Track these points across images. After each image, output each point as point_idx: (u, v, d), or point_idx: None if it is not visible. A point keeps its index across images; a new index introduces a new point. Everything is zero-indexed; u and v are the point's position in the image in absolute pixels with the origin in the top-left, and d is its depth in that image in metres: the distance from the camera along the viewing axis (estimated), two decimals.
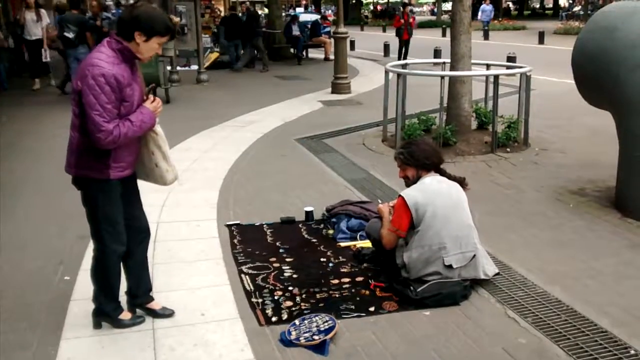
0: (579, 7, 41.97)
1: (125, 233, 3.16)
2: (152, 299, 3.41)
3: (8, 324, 3.34)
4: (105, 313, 3.24)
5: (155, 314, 3.37)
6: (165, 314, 3.38)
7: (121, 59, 2.87)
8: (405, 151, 3.81)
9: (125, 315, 3.29)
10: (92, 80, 2.76)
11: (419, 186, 3.69)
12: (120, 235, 3.12)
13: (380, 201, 4.89)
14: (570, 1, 50.46)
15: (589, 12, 32.68)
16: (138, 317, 3.32)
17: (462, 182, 3.82)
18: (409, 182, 3.81)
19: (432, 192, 3.63)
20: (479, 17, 26.83)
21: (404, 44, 18.27)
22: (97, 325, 3.26)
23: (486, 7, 26.92)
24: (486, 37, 25.93)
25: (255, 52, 17.03)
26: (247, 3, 22.28)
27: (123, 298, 3.36)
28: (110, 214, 3.05)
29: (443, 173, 3.81)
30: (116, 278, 3.23)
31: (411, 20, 18.73)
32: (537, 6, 64.14)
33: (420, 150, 3.75)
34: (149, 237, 3.39)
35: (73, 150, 2.98)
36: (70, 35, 10.41)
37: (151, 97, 3.05)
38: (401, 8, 19.90)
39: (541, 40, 23.20)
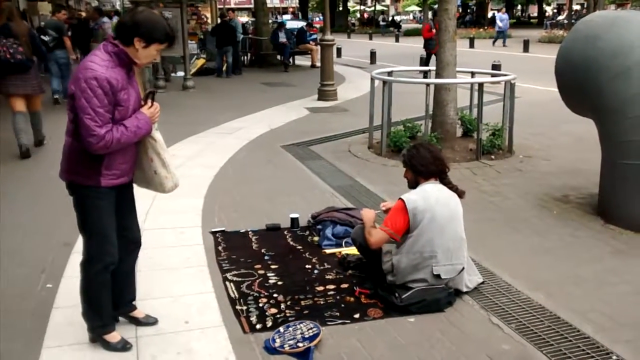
0: (563, 16, 42.46)
1: (120, 242, 3.06)
2: (135, 308, 3.35)
3: None
4: (91, 329, 3.12)
5: (138, 322, 3.32)
6: (149, 322, 3.32)
7: (117, 63, 2.82)
8: (407, 153, 3.81)
9: (114, 337, 3.11)
10: (84, 83, 2.70)
11: (420, 192, 3.67)
12: (109, 246, 2.99)
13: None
14: (555, 10, 51.03)
15: (573, 21, 33.12)
16: (127, 344, 3.11)
17: (461, 194, 3.80)
18: (409, 184, 3.81)
19: (432, 199, 3.61)
20: (498, 27, 26.33)
21: (430, 58, 14.76)
22: (91, 339, 3.15)
23: (503, 16, 26.29)
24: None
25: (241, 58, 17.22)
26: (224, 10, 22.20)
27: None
28: (99, 223, 2.95)
29: (446, 182, 3.78)
30: (103, 294, 3.06)
31: None
32: (522, 15, 64.74)
33: (420, 156, 3.71)
34: (139, 248, 3.31)
35: (65, 155, 2.92)
36: (47, 38, 10.61)
37: (149, 102, 2.98)
38: (431, 16, 16.76)
39: (526, 49, 23.44)
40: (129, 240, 3.18)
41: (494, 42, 27.41)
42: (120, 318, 3.32)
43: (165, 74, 14.70)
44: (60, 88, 10.99)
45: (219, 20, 18.60)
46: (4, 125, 7.72)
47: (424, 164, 3.70)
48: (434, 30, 14.12)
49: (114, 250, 3.01)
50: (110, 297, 3.11)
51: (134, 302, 3.36)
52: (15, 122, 7.10)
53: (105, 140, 2.74)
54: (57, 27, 11.06)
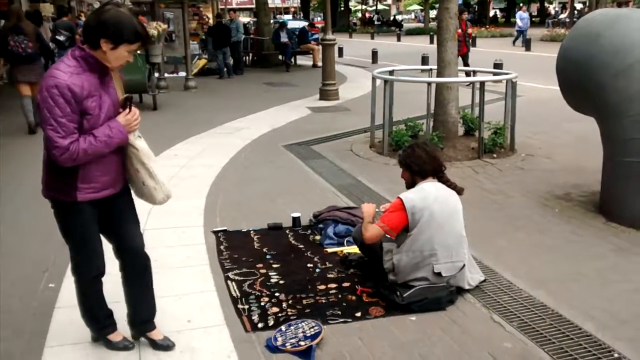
0: (566, 14, 42.37)
1: (120, 255, 2.98)
2: (151, 328, 3.13)
3: None
4: (92, 331, 3.13)
5: (155, 344, 3.11)
6: (165, 344, 3.10)
7: (85, 68, 2.61)
8: (402, 153, 3.82)
9: (115, 337, 3.10)
10: (45, 92, 2.52)
11: (419, 191, 3.67)
12: (94, 259, 2.90)
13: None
14: (557, 9, 50.98)
15: (575, 19, 32.99)
16: (129, 344, 3.10)
17: (460, 191, 3.81)
18: (407, 185, 3.82)
19: (430, 198, 3.61)
20: (517, 26, 25.34)
21: (463, 61, 13.50)
22: (94, 339, 3.17)
23: (523, 15, 25.28)
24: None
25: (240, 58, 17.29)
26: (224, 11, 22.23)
27: (117, 317, 3.17)
28: (81, 238, 2.84)
29: (444, 180, 3.79)
30: (94, 301, 3.02)
31: (470, 30, 14.50)
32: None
33: (414, 156, 3.72)
34: (149, 262, 3.07)
35: (44, 170, 2.76)
36: (62, 38, 11.76)
37: (127, 109, 2.76)
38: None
39: (528, 47, 23.40)
40: (130, 251, 2.99)
41: (514, 42, 26.15)
42: (125, 311, 3.30)
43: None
44: None
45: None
46: (16, 110, 9.10)
47: (419, 164, 3.71)
48: (459, 30, 13.36)
49: (99, 262, 2.93)
50: (103, 302, 3.06)
51: (150, 322, 3.14)
52: (24, 105, 8.60)
53: (70, 152, 2.55)
54: (68, 27, 12.17)
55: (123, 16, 2.62)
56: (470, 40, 14.37)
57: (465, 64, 13.69)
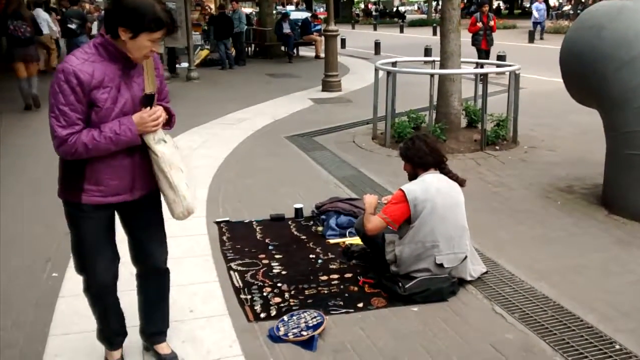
0: (569, 6, 42.16)
1: (137, 266, 2.81)
2: (159, 341, 2.96)
3: None
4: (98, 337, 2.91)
5: (159, 357, 2.94)
6: (170, 359, 2.93)
7: (105, 57, 2.40)
8: (403, 146, 3.83)
9: (111, 357, 2.90)
10: (54, 76, 2.35)
11: (420, 183, 3.68)
12: (93, 269, 2.64)
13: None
14: (561, 1, 50.72)
15: (579, 11, 32.78)
16: None
17: (462, 183, 3.81)
18: (409, 177, 3.82)
19: (432, 189, 3.62)
20: (534, 18, 24.42)
21: (485, 56, 12.97)
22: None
23: (540, 6, 24.28)
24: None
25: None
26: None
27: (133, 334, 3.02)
28: (84, 245, 2.61)
29: (446, 172, 3.79)
30: (101, 312, 2.79)
31: (492, 23, 13.45)
32: (528, 5, 64.38)
33: (415, 148, 3.73)
34: (166, 277, 2.91)
35: (59, 166, 2.58)
36: (73, 26, 12.41)
37: (148, 108, 2.48)
38: (476, 7, 14.43)
39: (531, 39, 23.31)
40: (148, 266, 2.80)
41: (533, 36, 24.61)
42: (128, 300, 3.27)
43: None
44: None
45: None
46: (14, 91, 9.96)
47: (420, 156, 3.71)
48: (479, 24, 12.91)
49: (103, 273, 2.67)
50: (116, 319, 2.85)
51: (161, 335, 2.97)
52: (21, 85, 9.68)
53: (67, 144, 2.34)
54: (79, 16, 12.87)
55: (142, 1, 2.34)
56: (492, 35, 13.29)
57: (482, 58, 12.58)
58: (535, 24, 24.67)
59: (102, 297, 2.75)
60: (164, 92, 2.72)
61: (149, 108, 2.48)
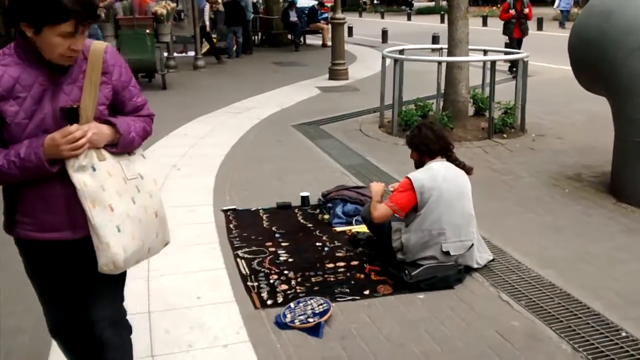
0: None
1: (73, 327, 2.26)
2: None
3: (5, 308, 3.35)
4: None
5: None
6: None
7: (23, 59, 1.92)
8: (410, 134, 3.84)
9: None
10: None
11: (427, 170, 3.68)
12: (49, 311, 2.26)
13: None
14: None
15: None
16: None
17: (469, 171, 3.81)
18: (415, 165, 3.82)
19: (439, 177, 3.62)
20: (556, 6, 23.76)
21: (516, 45, 11.69)
22: None
23: None
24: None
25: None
26: None
27: None
28: (34, 282, 2.23)
29: (453, 160, 3.79)
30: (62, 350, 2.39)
31: (526, 10, 11.96)
32: None
33: (422, 135, 3.73)
34: (112, 340, 2.17)
35: None
36: None
37: (75, 126, 1.90)
38: None
39: (539, 27, 23.11)
40: (82, 323, 2.16)
41: (562, 24, 23.81)
42: (135, 288, 3.31)
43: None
44: None
45: None
46: None
47: (426, 144, 3.71)
48: (512, 11, 11.84)
49: (56, 314, 2.25)
50: None
51: None
52: None
53: None
54: None
55: None
56: (527, 23, 12.04)
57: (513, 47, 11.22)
58: (563, 12, 23.94)
59: (55, 338, 2.36)
60: (128, 105, 2.13)
61: (71, 125, 1.91)
